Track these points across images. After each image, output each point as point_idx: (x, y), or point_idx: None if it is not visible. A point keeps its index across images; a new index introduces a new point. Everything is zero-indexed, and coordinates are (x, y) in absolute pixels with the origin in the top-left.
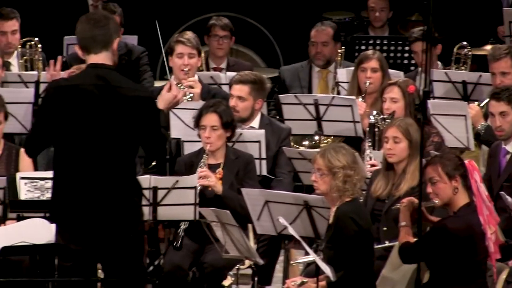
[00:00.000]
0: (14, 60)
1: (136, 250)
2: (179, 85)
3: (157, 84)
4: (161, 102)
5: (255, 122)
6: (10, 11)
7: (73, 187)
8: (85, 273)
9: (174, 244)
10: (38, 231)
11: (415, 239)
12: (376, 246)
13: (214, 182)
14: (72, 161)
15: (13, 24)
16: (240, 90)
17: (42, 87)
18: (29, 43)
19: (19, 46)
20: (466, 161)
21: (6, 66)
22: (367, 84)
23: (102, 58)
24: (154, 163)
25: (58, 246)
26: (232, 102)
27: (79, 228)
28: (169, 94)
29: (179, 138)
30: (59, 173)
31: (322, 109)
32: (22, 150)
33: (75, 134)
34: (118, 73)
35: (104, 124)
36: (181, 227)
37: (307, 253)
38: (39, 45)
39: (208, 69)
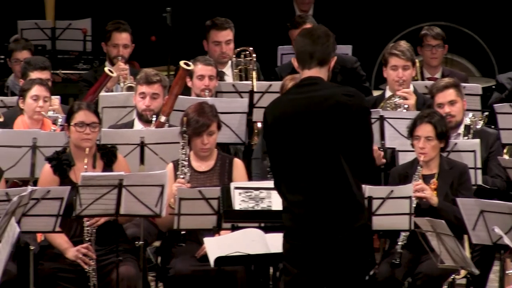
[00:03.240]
0: (228, 70)
1: (361, 264)
2: (394, 97)
3: (374, 93)
4: None
5: (461, 128)
6: (225, 21)
7: (294, 192)
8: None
9: (393, 261)
10: (253, 241)
11: None
12: None
13: (430, 194)
14: (293, 174)
15: (227, 34)
16: (451, 94)
17: (256, 97)
18: (244, 52)
19: (234, 56)
20: None
21: (220, 76)
22: None
23: (314, 73)
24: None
25: (272, 256)
26: (446, 108)
27: (305, 240)
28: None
29: (394, 148)
30: (280, 185)
31: None
32: (235, 159)
33: (294, 149)
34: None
35: (322, 135)
36: (399, 243)
37: None
38: (254, 55)
39: (422, 79)
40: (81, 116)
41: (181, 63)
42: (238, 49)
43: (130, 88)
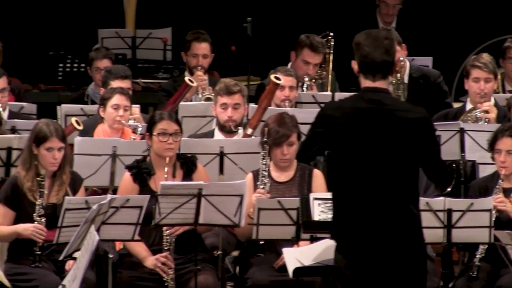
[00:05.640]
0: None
1: (419, 277)
2: (475, 110)
3: (454, 105)
4: None
5: None
6: (321, 44)
7: (353, 208)
8: None
9: (471, 274)
10: (331, 252)
11: None
12: None
13: (510, 207)
14: (350, 182)
15: (319, 58)
16: None
17: None
18: (326, 37)
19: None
20: None
21: (301, 87)
22: None
23: (378, 84)
24: (449, 189)
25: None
26: None
27: (360, 251)
28: None
29: (474, 161)
30: (338, 194)
31: None
32: (315, 170)
33: (351, 157)
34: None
35: (381, 146)
36: (477, 256)
37: None
38: (333, 40)
39: (504, 91)
40: (164, 125)
41: (272, 77)
42: (321, 35)
43: (208, 100)
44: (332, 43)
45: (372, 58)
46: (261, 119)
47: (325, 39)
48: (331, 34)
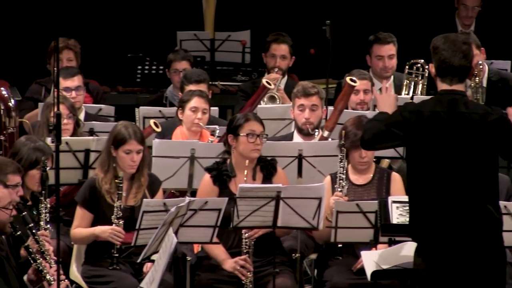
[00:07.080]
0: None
1: (498, 282)
2: None
3: None
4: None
5: None
6: (388, 36)
7: (434, 212)
8: None
9: None
10: (410, 255)
11: None
12: None
13: None
14: (429, 186)
15: (390, 49)
16: None
17: None
18: (415, 65)
19: (406, 67)
20: None
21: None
22: None
23: (454, 87)
24: None
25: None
26: None
27: (440, 254)
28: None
29: None
30: (418, 197)
31: None
32: (393, 173)
33: (430, 160)
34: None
35: (459, 150)
36: None
37: None
38: (426, 67)
39: None
40: (252, 126)
41: (347, 79)
42: (411, 61)
43: (271, 97)
44: (426, 74)
45: (450, 62)
46: (337, 121)
47: (414, 67)
48: (421, 60)
